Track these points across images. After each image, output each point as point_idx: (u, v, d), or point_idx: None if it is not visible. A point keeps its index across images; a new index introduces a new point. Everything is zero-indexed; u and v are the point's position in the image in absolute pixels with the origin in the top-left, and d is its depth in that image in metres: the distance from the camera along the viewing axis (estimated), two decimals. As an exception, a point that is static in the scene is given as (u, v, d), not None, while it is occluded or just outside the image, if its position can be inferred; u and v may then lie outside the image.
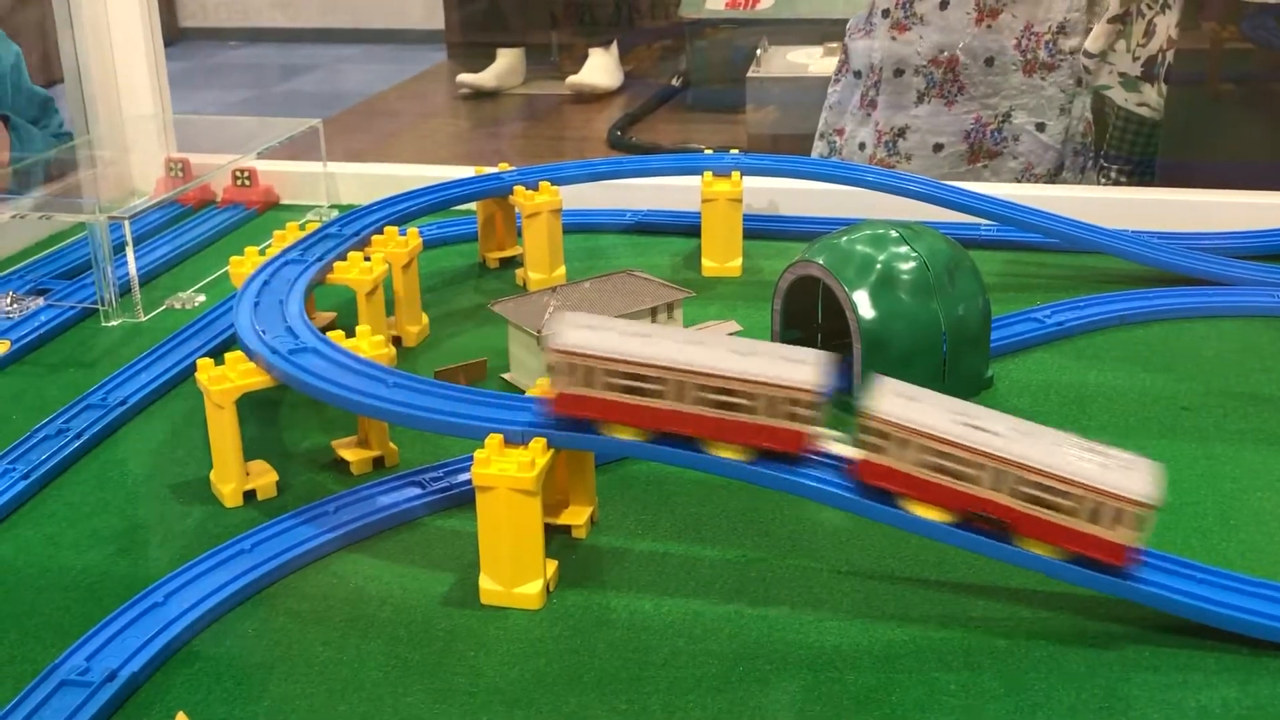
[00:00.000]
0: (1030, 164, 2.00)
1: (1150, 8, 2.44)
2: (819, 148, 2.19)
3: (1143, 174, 2.56)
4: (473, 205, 1.51)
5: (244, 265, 1.22)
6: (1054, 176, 2.02)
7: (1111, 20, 2.48)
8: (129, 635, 0.85)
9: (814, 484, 0.86)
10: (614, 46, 4.63)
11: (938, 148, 2.00)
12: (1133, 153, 2.57)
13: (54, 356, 1.32)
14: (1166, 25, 2.41)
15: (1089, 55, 2.51)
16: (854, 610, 0.88)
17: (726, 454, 0.86)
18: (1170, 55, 2.42)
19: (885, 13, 1.99)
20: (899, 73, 1.99)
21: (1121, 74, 2.50)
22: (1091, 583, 0.84)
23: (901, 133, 2.00)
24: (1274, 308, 1.33)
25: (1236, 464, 1.06)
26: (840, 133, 2.12)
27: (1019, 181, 1.97)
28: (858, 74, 2.07)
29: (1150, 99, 2.49)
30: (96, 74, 1.80)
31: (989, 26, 1.93)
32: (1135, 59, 2.48)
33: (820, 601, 0.89)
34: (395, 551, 0.97)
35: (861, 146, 2.07)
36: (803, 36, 3.85)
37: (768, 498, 1.00)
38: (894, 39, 1.97)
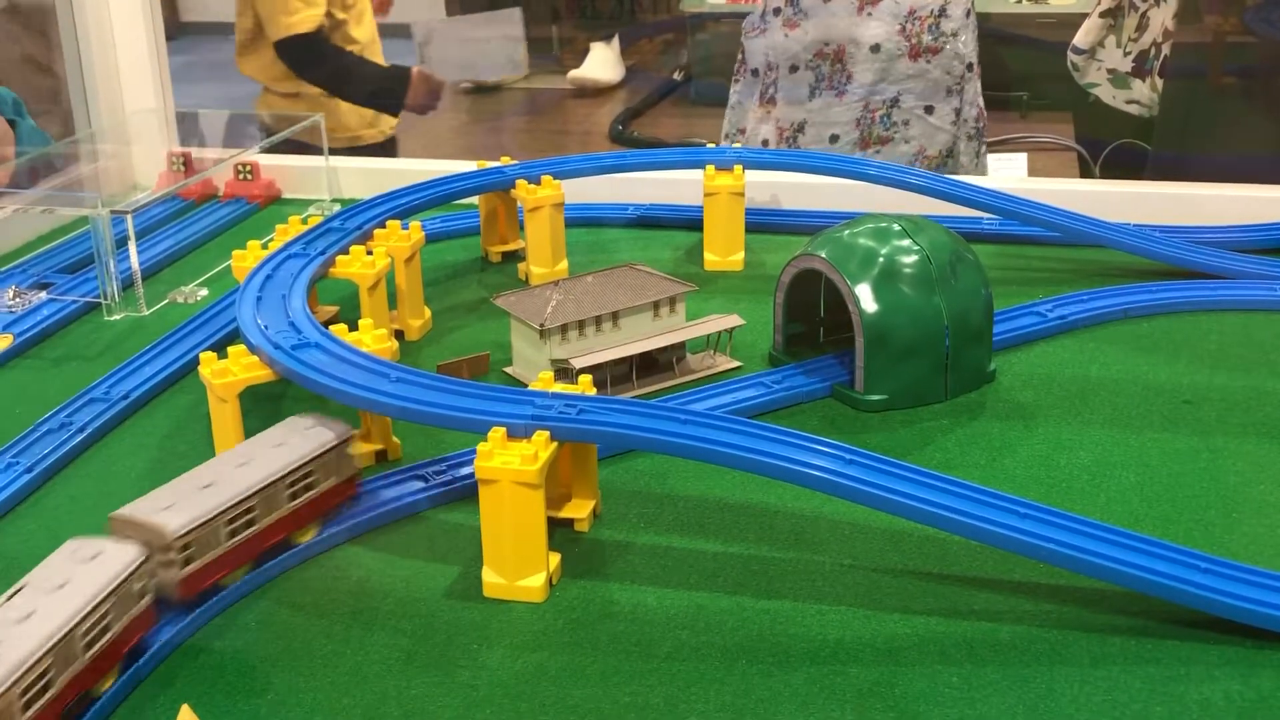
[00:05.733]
0: (922, 147, 2.04)
1: (1144, 0, 2.42)
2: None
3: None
4: (475, 199, 1.51)
5: (246, 259, 1.22)
6: (947, 159, 2.05)
7: (1103, 14, 2.46)
8: (133, 628, 0.85)
9: (819, 473, 0.86)
10: (615, 41, 4.63)
11: (834, 139, 2.04)
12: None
13: (57, 350, 1.32)
14: (1162, 18, 2.40)
15: (1077, 51, 2.49)
16: (857, 603, 0.88)
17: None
18: (1167, 48, 2.41)
19: (776, 10, 2.03)
20: (793, 69, 2.03)
21: (1110, 70, 2.48)
22: (1094, 573, 0.84)
23: (800, 128, 2.05)
24: (1276, 301, 1.33)
25: (1239, 456, 1.06)
26: (744, 132, 2.15)
27: (914, 166, 2.00)
28: (755, 72, 2.11)
29: (1141, 95, 2.47)
30: (99, 69, 1.80)
31: (870, 14, 1.97)
32: (1126, 54, 2.46)
33: (823, 594, 0.90)
34: (398, 545, 0.97)
35: (765, 143, 2.10)
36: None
37: (770, 491, 1.01)
38: (785, 36, 2.02)
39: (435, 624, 0.88)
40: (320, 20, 2.56)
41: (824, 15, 2.00)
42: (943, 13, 1.99)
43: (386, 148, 2.75)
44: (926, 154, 2.04)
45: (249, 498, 0.88)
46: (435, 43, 2.95)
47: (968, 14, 2.02)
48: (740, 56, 2.14)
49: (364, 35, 2.68)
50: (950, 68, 2.01)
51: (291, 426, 0.95)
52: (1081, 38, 2.49)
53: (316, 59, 2.60)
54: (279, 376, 1.01)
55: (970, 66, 2.03)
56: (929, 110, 2.02)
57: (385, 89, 2.68)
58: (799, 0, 2.01)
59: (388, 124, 2.75)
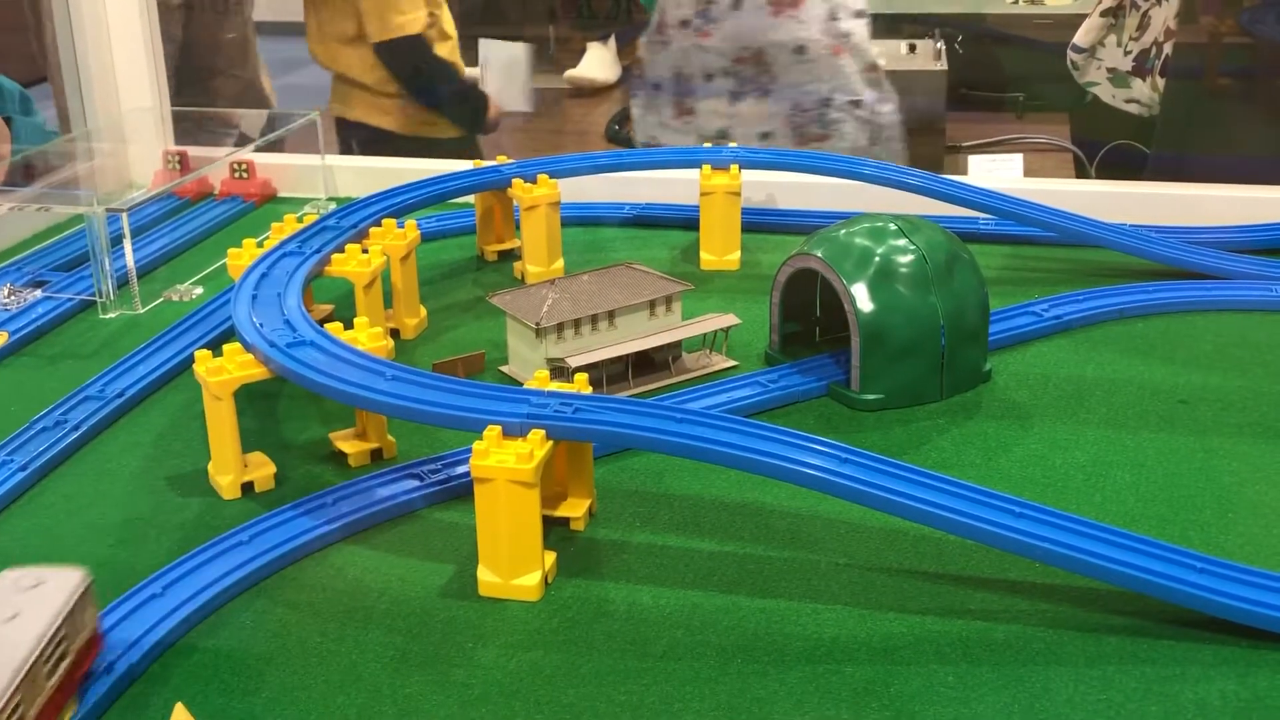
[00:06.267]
0: (855, 141, 2.10)
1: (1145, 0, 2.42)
2: None
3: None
4: (471, 198, 1.50)
5: (242, 257, 1.21)
6: (879, 142, 2.11)
7: (1104, 13, 2.46)
8: (127, 627, 0.85)
9: (815, 472, 0.86)
10: (612, 40, 4.62)
11: (765, 136, 2.08)
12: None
13: (52, 348, 1.32)
14: (1163, 17, 2.40)
15: (1077, 50, 2.50)
16: (852, 602, 0.88)
17: None
18: (1169, 48, 2.41)
19: (684, 23, 2.07)
20: (709, 77, 2.07)
21: (1110, 69, 2.48)
22: (1089, 572, 0.84)
23: (725, 133, 2.09)
24: (1271, 302, 1.33)
25: (1234, 456, 1.06)
26: (654, 145, 2.18)
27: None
28: (657, 86, 2.15)
29: (1141, 95, 2.47)
30: (95, 67, 1.80)
31: (791, 16, 2.02)
32: (1127, 53, 2.46)
33: (818, 593, 0.89)
34: (393, 543, 0.97)
35: None
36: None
37: (766, 490, 1.00)
38: (699, 46, 2.05)
39: (430, 622, 0.87)
40: (425, 21, 2.53)
41: (735, 21, 2.05)
42: (834, 16, 2.06)
43: (462, 143, 2.72)
44: (859, 145, 2.11)
45: (14, 692, 0.69)
46: (492, 64, 2.96)
47: (857, 14, 2.09)
48: (638, 71, 2.19)
49: (453, 31, 2.67)
50: (860, 63, 2.08)
51: (11, 589, 0.75)
52: (1082, 36, 2.50)
53: (421, 61, 2.56)
54: (274, 375, 1.01)
55: (875, 66, 2.12)
56: (856, 104, 2.09)
57: (468, 105, 2.67)
58: (709, 10, 2.05)
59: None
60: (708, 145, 1.54)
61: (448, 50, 2.64)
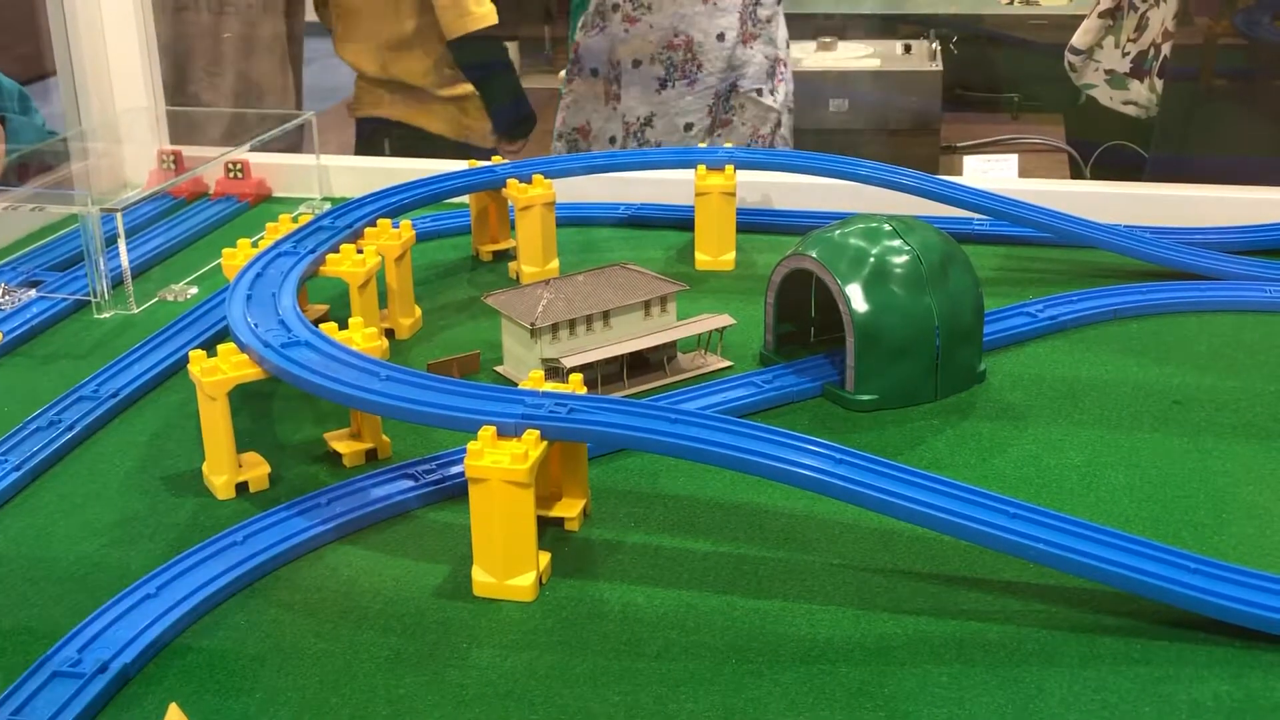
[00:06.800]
0: (755, 127, 2.16)
1: (1144, 1, 2.42)
2: (557, 148, 2.28)
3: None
4: (466, 198, 1.50)
5: (236, 258, 1.21)
6: (773, 135, 2.17)
7: (1102, 15, 2.46)
8: (121, 627, 0.85)
9: (809, 473, 0.86)
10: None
11: (688, 127, 2.13)
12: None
13: (46, 348, 1.32)
14: (1161, 19, 2.40)
15: (1075, 52, 2.50)
16: (847, 602, 0.88)
17: None
18: (1167, 49, 2.41)
19: (615, 7, 2.11)
20: (637, 63, 2.12)
21: (1108, 71, 2.49)
22: (1083, 573, 0.84)
23: (649, 121, 2.13)
24: (1266, 302, 1.33)
25: (1228, 457, 1.06)
26: (582, 131, 2.22)
27: (749, 145, 2.13)
28: (594, 72, 2.18)
29: (1139, 96, 2.47)
30: (89, 66, 1.79)
31: (715, 4, 2.09)
32: (1125, 55, 2.47)
33: (813, 594, 0.89)
34: (388, 544, 0.97)
35: (612, 140, 2.18)
36: (795, 31, 3.84)
37: (761, 490, 1.00)
38: (626, 31, 2.10)
39: (424, 623, 0.87)
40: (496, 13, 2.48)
41: (672, 7, 2.10)
42: (758, 2, 2.12)
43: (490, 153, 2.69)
44: (760, 133, 2.17)
45: None
46: None
47: (778, 1, 2.16)
48: (574, 56, 2.20)
49: None
50: (768, 52, 2.15)
51: None
52: (1080, 38, 2.50)
53: (497, 54, 2.53)
54: (268, 375, 1.01)
55: (782, 48, 2.18)
56: (759, 92, 2.14)
57: (523, 108, 2.64)
58: None
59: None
60: (702, 145, 1.54)
61: None
